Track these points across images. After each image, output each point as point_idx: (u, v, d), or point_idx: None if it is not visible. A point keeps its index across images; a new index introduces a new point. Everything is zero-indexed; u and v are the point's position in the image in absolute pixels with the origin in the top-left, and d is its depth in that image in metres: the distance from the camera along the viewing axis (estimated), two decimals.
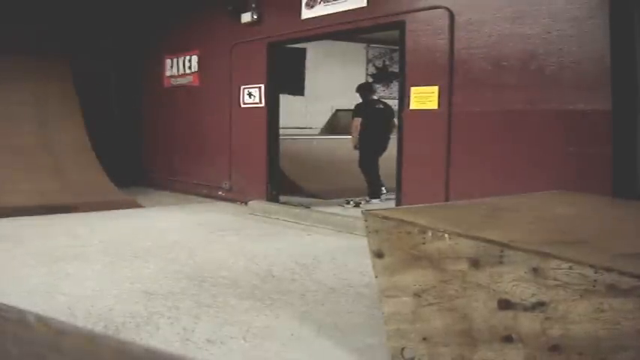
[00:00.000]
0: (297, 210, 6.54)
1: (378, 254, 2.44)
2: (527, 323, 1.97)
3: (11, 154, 6.86)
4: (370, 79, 11.20)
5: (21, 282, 3.73)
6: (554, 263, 1.89)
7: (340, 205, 6.84)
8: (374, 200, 7.07)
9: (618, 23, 4.03)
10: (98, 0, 8.49)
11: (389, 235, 2.39)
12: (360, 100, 7.48)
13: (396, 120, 7.01)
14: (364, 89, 7.63)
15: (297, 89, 10.62)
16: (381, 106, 7.45)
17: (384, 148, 7.26)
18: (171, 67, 8.66)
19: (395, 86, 10.09)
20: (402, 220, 2.38)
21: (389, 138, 7.24)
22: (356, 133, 7.18)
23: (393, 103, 7.28)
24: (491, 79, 4.77)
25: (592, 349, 1.81)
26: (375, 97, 7.66)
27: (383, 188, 7.18)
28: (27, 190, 6.53)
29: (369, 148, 7.18)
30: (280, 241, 5.30)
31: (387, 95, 10.65)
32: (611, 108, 4.06)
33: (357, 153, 7.25)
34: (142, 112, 9.33)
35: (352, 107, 7.56)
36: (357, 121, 7.17)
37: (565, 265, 1.86)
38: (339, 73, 10.83)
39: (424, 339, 2.30)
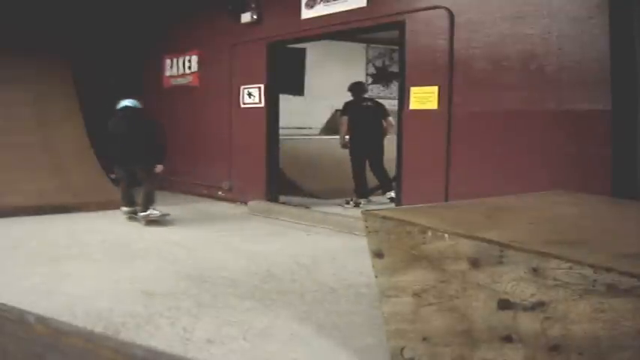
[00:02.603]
0: (297, 210, 6.54)
1: (378, 254, 2.44)
2: (527, 323, 1.97)
3: (11, 154, 6.86)
4: (370, 79, 11.18)
5: (21, 282, 3.73)
6: (553, 263, 1.89)
7: (340, 205, 6.83)
8: (362, 200, 6.86)
9: (618, 23, 4.03)
10: (98, 0, 8.48)
11: (389, 235, 2.39)
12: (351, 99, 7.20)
13: (392, 119, 6.90)
14: (354, 87, 7.27)
15: (297, 89, 10.58)
16: (370, 103, 7.14)
17: (373, 150, 6.96)
18: (171, 67, 8.66)
19: (394, 86, 10.08)
20: (402, 220, 2.38)
21: (380, 138, 6.97)
22: (342, 132, 7.01)
23: (393, 104, 7.21)
24: (492, 79, 4.77)
25: (592, 349, 1.81)
26: (366, 96, 7.31)
27: (361, 200, 6.86)
28: (27, 190, 6.53)
29: (353, 147, 6.96)
30: (280, 241, 5.30)
31: (386, 95, 10.64)
32: (611, 108, 4.07)
33: None
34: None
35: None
36: (344, 119, 6.97)
37: (565, 265, 1.86)
38: (339, 73, 10.80)
39: (424, 339, 2.30)
